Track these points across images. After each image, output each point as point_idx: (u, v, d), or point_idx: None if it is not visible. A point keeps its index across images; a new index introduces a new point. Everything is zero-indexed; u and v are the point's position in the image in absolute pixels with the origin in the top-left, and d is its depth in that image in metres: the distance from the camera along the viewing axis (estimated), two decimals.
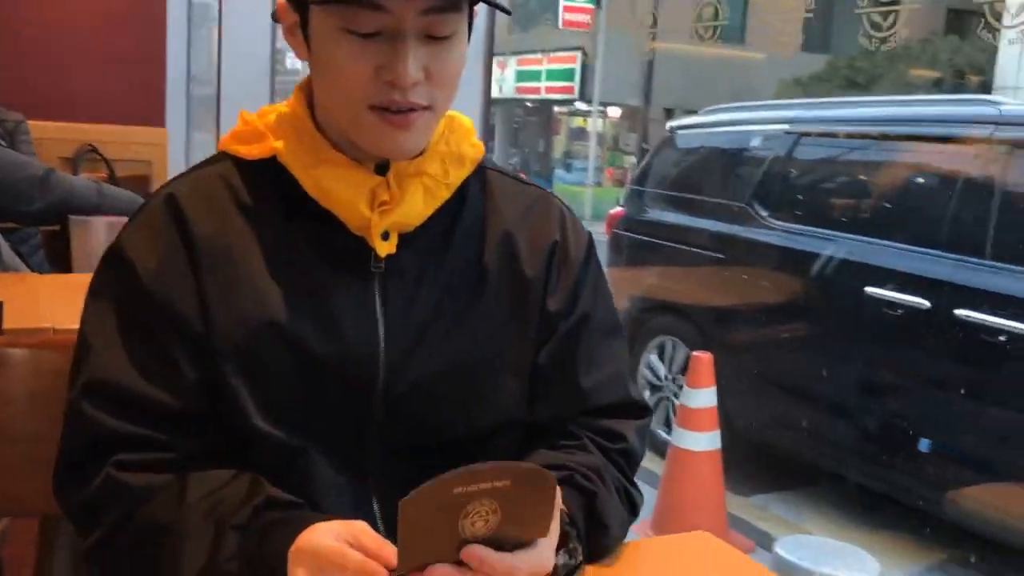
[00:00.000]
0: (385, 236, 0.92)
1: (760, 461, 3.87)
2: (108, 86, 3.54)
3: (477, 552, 0.71)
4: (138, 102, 3.60)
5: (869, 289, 3.29)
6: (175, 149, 3.88)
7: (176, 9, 3.67)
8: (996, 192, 3.07)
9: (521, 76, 19.79)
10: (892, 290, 3.23)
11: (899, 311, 3.19)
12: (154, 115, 3.67)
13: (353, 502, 0.91)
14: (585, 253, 1.02)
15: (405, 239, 0.93)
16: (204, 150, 4.67)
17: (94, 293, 0.93)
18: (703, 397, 3.17)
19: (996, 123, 3.13)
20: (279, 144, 0.92)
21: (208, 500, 0.84)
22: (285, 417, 0.89)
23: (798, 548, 2.62)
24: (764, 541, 3.20)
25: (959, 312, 2.97)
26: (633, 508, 0.97)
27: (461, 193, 0.98)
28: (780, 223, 3.81)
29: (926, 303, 3.10)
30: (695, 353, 3.29)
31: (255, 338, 0.88)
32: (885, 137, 3.60)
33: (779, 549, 2.64)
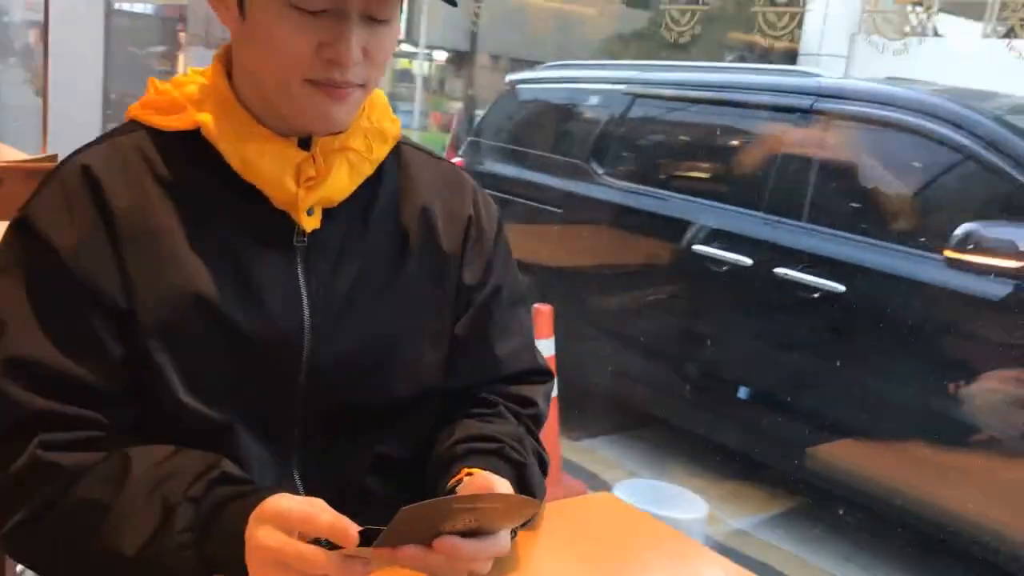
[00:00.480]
0: (309, 212, 0.93)
1: (593, 409, 4.05)
2: None
3: (449, 541, 0.75)
4: None
5: (697, 247, 3.49)
6: None
7: None
8: (814, 160, 3.31)
9: None
10: (718, 248, 3.44)
11: (724, 267, 3.41)
12: None
13: (276, 476, 0.93)
14: (496, 227, 1.07)
15: (326, 213, 0.94)
16: (14, 81, 4.31)
17: (3, 268, 0.88)
18: (542, 348, 3.28)
19: (816, 95, 3.37)
20: (205, 117, 0.91)
21: (154, 472, 0.83)
22: (211, 392, 0.89)
23: (633, 492, 2.78)
24: (594, 483, 3.37)
25: (778, 270, 3.21)
26: (544, 471, 1.03)
27: (378, 168, 0.99)
28: (616, 181, 3.96)
29: (748, 261, 3.32)
30: (534, 305, 3.39)
31: (179, 313, 0.88)
32: (715, 102, 3.80)
33: (616, 492, 2.80)
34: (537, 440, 1.05)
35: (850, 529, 3.11)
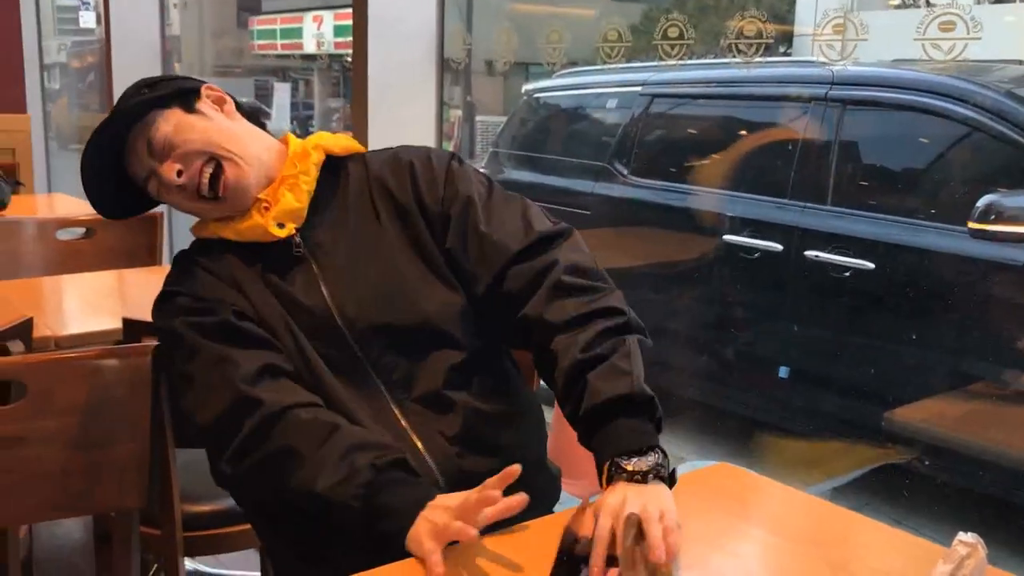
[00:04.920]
0: (280, 226, 1.27)
1: None
2: None
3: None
4: None
5: (727, 236, 3.66)
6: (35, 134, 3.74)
7: None
8: (833, 145, 3.48)
9: (339, 31, 19.43)
10: (748, 236, 3.61)
11: (755, 254, 3.58)
12: (14, 101, 3.52)
13: (375, 406, 1.24)
14: (447, 161, 1.34)
15: (312, 222, 1.30)
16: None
17: (168, 326, 1.28)
18: None
19: (830, 83, 3.53)
20: (216, 228, 1.31)
21: (349, 442, 1.14)
22: (311, 361, 1.25)
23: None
24: None
25: (808, 253, 3.38)
26: (616, 312, 1.23)
27: (344, 176, 1.35)
28: (640, 180, 4.13)
29: (778, 246, 3.49)
30: None
31: (273, 324, 1.26)
32: (732, 97, 3.96)
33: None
34: (584, 288, 1.24)
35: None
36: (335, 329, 1.25)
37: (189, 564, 2.45)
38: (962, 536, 0.88)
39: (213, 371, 1.21)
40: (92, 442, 1.34)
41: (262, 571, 1.87)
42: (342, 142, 1.37)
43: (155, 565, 2.21)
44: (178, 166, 1.26)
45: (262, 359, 1.21)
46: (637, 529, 0.95)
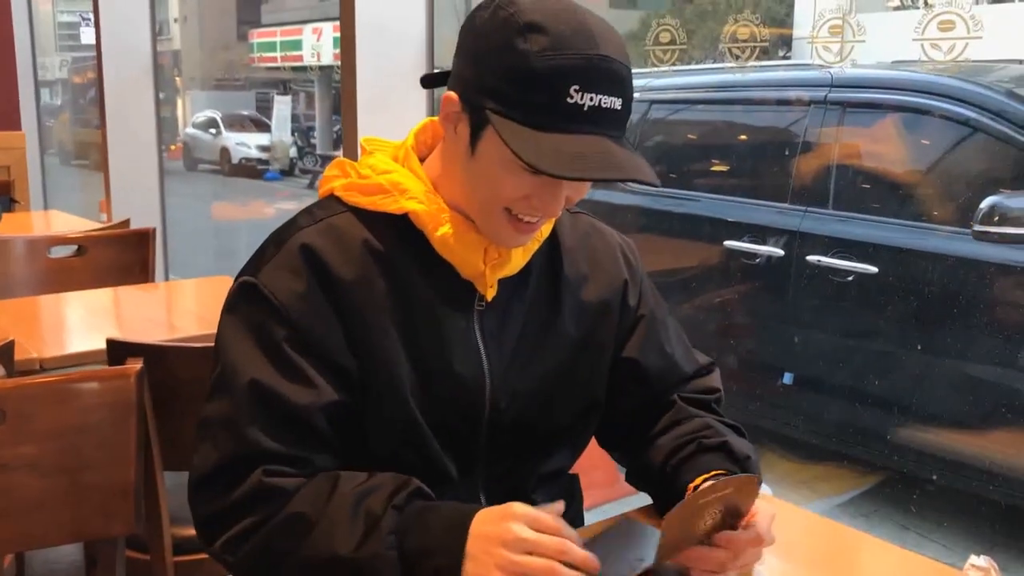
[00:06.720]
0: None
1: None
2: None
3: (726, 535, 0.94)
4: None
5: (729, 242, 3.62)
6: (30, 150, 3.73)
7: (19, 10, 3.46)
8: (833, 148, 3.44)
9: (338, 42, 19.48)
10: (749, 242, 3.57)
11: (757, 260, 3.54)
12: (9, 118, 3.50)
13: (465, 494, 1.09)
14: (640, 261, 1.24)
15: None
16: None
17: (236, 324, 1.02)
18: None
19: (829, 86, 3.50)
20: (414, 206, 1.05)
21: (357, 489, 0.97)
22: (416, 430, 1.04)
23: None
24: None
25: (811, 258, 3.34)
26: (743, 434, 1.18)
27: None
28: (639, 186, 4.09)
29: (780, 252, 3.45)
30: None
31: (391, 370, 1.03)
32: (731, 101, 3.93)
33: None
34: (722, 416, 1.21)
35: None
36: (473, 410, 1.08)
37: None
38: (974, 560, 0.84)
39: (239, 451, 0.98)
40: (75, 468, 1.30)
41: None
42: None
43: None
44: (568, 195, 1.02)
45: (321, 465, 1.01)
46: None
